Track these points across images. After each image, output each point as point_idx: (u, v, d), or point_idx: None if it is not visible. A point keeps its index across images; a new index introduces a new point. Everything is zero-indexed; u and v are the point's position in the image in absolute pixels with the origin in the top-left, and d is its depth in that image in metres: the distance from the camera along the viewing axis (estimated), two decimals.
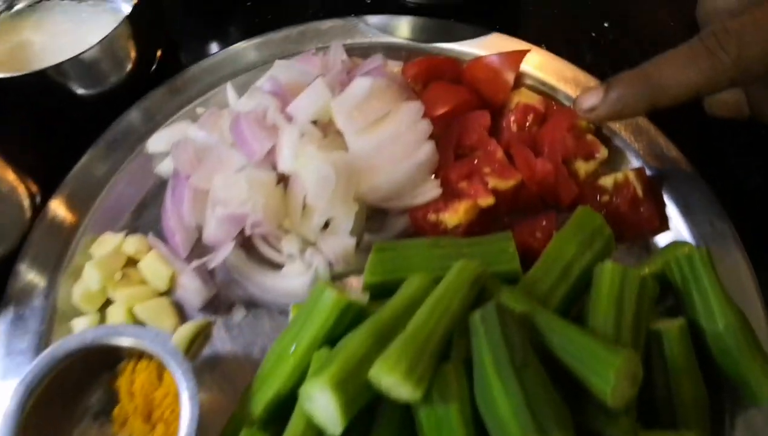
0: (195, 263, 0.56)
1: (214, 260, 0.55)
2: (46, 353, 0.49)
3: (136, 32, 0.61)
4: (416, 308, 0.46)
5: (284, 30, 0.69)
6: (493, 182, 0.55)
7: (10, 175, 0.55)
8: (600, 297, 0.46)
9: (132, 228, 0.61)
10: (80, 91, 0.62)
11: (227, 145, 0.56)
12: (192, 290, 0.55)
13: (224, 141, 0.58)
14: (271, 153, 0.55)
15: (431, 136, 0.57)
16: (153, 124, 0.64)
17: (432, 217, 0.56)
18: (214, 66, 0.67)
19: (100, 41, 0.58)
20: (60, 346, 0.49)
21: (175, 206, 0.57)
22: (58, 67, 0.58)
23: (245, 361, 0.55)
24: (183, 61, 0.71)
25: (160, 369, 0.51)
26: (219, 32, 0.75)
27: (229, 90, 0.64)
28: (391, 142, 0.54)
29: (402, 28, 0.69)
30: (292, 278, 0.55)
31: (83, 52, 0.58)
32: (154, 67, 0.68)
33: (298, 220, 0.55)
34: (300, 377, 0.48)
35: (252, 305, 0.57)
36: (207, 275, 0.57)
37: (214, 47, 0.73)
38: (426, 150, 0.55)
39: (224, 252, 0.54)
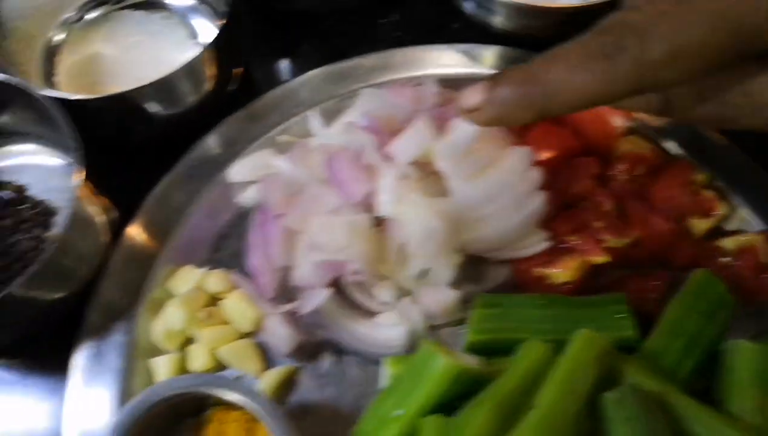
0: (285, 308, 0.53)
1: (307, 306, 0.52)
2: (139, 399, 0.47)
3: (218, 55, 0.59)
4: (538, 381, 0.44)
5: (369, 56, 0.65)
6: (607, 239, 0.52)
7: (93, 199, 0.52)
8: (739, 380, 0.43)
9: (211, 261, 0.58)
10: (157, 112, 0.59)
11: (319, 183, 0.53)
12: (280, 335, 0.52)
13: (314, 177, 0.55)
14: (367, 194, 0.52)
15: None
16: (232, 152, 0.61)
17: (537, 271, 0.53)
18: (293, 92, 0.64)
19: (185, 64, 0.55)
20: (152, 392, 0.47)
21: (264, 245, 0.54)
22: (140, 89, 0.55)
23: (334, 412, 0.52)
24: (256, 86, 0.68)
25: (251, 421, 0.49)
26: (293, 56, 0.72)
27: (313, 119, 0.61)
28: (501, 191, 0.52)
29: (492, 58, 0.66)
30: (387, 328, 0.53)
31: (167, 76, 0.55)
32: (229, 91, 0.64)
33: (395, 267, 0.52)
34: None
35: (340, 352, 0.54)
36: (294, 319, 0.54)
37: (288, 72, 0.70)
38: (537, 201, 0.53)
39: (318, 298, 0.51)
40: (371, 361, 0.54)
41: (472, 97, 0.38)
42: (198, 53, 0.56)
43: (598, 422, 0.43)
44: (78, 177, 0.51)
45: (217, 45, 0.57)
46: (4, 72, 0.55)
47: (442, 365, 0.45)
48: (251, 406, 0.46)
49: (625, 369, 0.46)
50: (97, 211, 0.54)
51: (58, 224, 0.59)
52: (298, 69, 0.66)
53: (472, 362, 0.46)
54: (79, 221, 0.50)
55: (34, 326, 0.54)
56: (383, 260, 0.52)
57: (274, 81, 0.68)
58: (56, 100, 0.54)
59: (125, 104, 0.56)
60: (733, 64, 0.34)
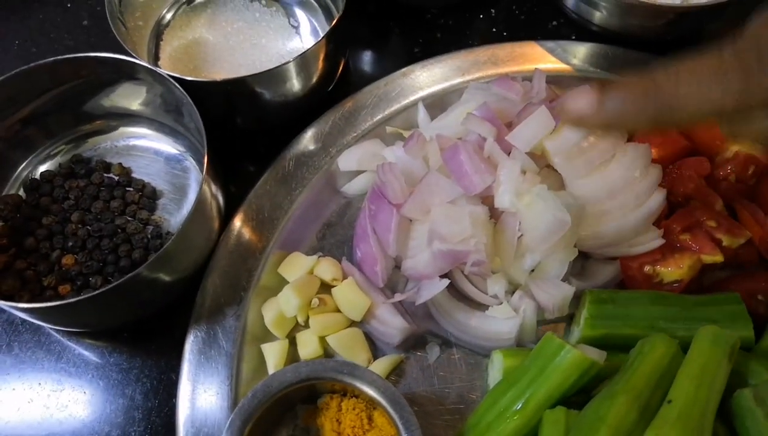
0: (398, 297, 0.53)
1: (423, 296, 0.52)
2: (261, 385, 0.48)
3: (330, 46, 0.59)
4: (668, 376, 0.44)
5: (473, 50, 0.66)
6: (721, 238, 0.53)
7: (210, 185, 0.53)
8: None
9: (317, 249, 0.59)
10: (270, 99, 0.60)
11: (437, 174, 0.53)
12: (392, 325, 0.53)
13: (431, 167, 0.56)
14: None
15: None
16: (337, 142, 0.62)
17: (648, 269, 0.54)
18: (396, 84, 0.65)
19: (302, 53, 0.56)
20: (274, 379, 0.48)
21: (378, 234, 0.54)
22: (257, 76, 0.56)
23: (440, 402, 0.53)
24: (356, 78, 0.69)
25: (369, 409, 0.49)
26: (390, 48, 0.72)
27: (420, 111, 0.62)
28: (622, 187, 0.52)
29: (594, 55, 0.66)
30: (499, 321, 0.53)
31: (284, 64, 0.55)
32: (333, 82, 0.65)
33: (510, 260, 0.53)
34: (527, 434, 0.47)
35: (447, 343, 0.55)
36: (405, 309, 0.54)
37: (386, 64, 0.71)
38: (658, 199, 0.53)
39: (436, 288, 0.52)
40: (478, 353, 0.54)
41: (581, 100, 0.40)
42: (315, 43, 0.57)
43: (731, 418, 0.44)
44: (205, 162, 0.51)
45: (331, 36, 0.57)
46: (124, 52, 0.56)
47: (572, 358, 0.46)
48: (379, 395, 0.47)
49: (750, 367, 0.46)
50: (212, 197, 0.54)
51: (162, 208, 0.60)
52: (397, 61, 0.67)
53: (596, 355, 0.47)
54: (200, 206, 0.51)
55: (151, 307, 0.55)
56: (497, 253, 0.53)
57: (373, 72, 0.69)
58: (175, 82, 0.54)
59: (242, 89, 0.57)
60: None
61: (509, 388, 0.48)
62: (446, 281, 0.52)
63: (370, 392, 0.47)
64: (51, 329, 0.57)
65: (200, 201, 0.51)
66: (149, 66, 0.55)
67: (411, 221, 0.55)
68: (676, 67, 0.36)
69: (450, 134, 0.57)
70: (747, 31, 0.35)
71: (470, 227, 0.50)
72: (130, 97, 0.61)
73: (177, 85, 0.54)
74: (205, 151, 0.52)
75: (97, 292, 0.48)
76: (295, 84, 0.59)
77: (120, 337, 0.56)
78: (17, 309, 0.49)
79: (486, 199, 0.54)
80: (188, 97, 0.53)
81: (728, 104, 0.35)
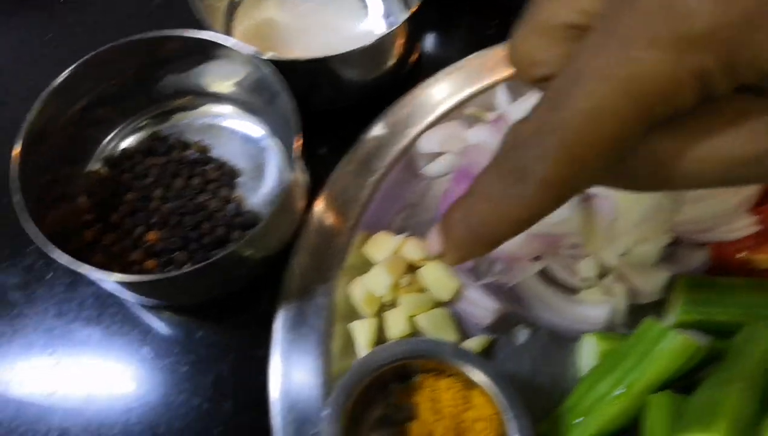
0: (488, 279, 0.53)
1: (514, 278, 0.52)
2: (363, 360, 0.48)
3: (412, 27, 0.59)
4: None
5: None
6: None
7: (299, 164, 0.53)
8: None
9: (402, 229, 0.59)
10: (351, 79, 0.60)
11: None
12: (482, 306, 0.53)
13: None
14: None
15: None
16: (416, 124, 0.61)
17: (741, 255, 0.53)
18: (474, 65, 0.64)
19: (383, 35, 0.56)
20: (376, 354, 0.48)
21: None
22: (344, 55, 0.56)
23: (530, 385, 0.53)
24: (425, 62, 0.68)
25: (466, 389, 0.49)
26: (463, 29, 0.72)
27: (501, 92, 0.61)
28: None
29: None
30: (590, 305, 0.53)
31: (366, 45, 0.55)
32: (410, 63, 0.65)
33: (602, 244, 0.53)
34: (629, 420, 0.47)
35: (534, 326, 0.55)
36: (494, 291, 0.54)
37: (459, 45, 0.70)
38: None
39: (529, 271, 0.52)
40: (566, 336, 0.54)
41: (433, 245, 0.37)
42: (400, 24, 0.57)
43: None
44: (297, 142, 0.51)
45: (411, 19, 0.57)
46: (207, 29, 0.56)
47: (678, 342, 0.45)
48: (484, 376, 0.47)
49: None
50: (301, 178, 0.54)
51: (242, 186, 0.60)
52: (470, 42, 0.66)
53: (701, 340, 0.47)
54: (292, 187, 0.51)
55: (237, 283, 0.55)
56: (589, 235, 0.52)
57: (446, 54, 0.68)
58: (264, 61, 0.54)
59: (322, 69, 0.57)
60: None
61: (608, 372, 0.48)
62: (540, 264, 0.52)
63: (475, 372, 0.47)
64: (137, 303, 0.57)
65: (293, 182, 0.51)
66: (238, 43, 0.55)
67: None
68: (475, 181, 0.32)
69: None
70: (512, 127, 0.30)
71: (568, 209, 0.50)
72: (212, 76, 0.61)
73: (268, 63, 0.54)
74: (299, 131, 0.52)
75: (192, 268, 0.48)
76: (373, 66, 0.59)
77: (205, 313, 0.57)
78: (114, 281, 0.49)
79: None
80: (281, 76, 0.53)
81: (531, 215, 0.30)
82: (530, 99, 0.60)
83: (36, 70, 0.68)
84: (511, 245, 0.53)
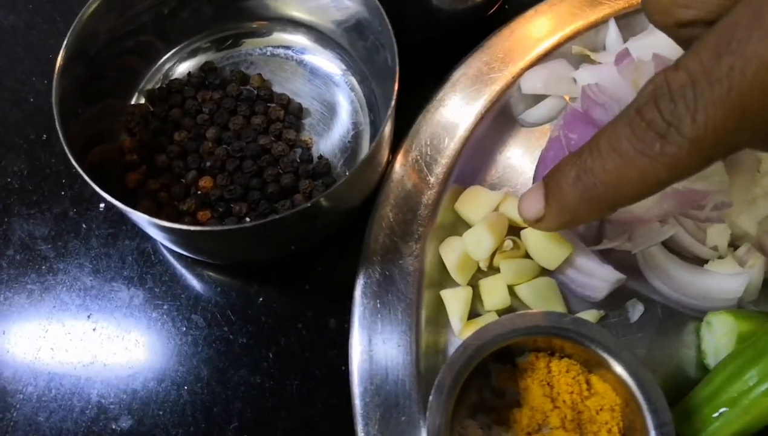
0: (607, 244, 0.46)
1: (639, 244, 0.45)
2: (474, 337, 0.40)
3: None
4: None
5: None
6: None
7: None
8: None
9: (495, 185, 0.51)
10: (438, 6, 0.51)
11: None
12: (600, 276, 0.45)
13: (631, 92, 0.47)
14: None
15: None
16: (512, 64, 0.53)
17: None
18: (575, 1, 0.55)
19: None
20: (489, 330, 0.40)
21: None
22: None
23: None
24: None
25: (586, 373, 0.42)
26: None
27: (612, 29, 0.53)
28: None
29: None
30: (722, 278, 0.45)
31: None
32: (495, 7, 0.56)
33: (742, 206, 0.45)
34: None
35: (650, 301, 0.47)
36: (609, 260, 0.47)
37: None
38: None
39: (658, 236, 0.44)
40: (687, 315, 0.47)
41: (531, 207, 0.34)
42: None
43: None
44: (395, 87, 0.43)
45: None
46: None
47: None
48: (614, 360, 0.39)
49: None
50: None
51: (309, 128, 0.52)
52: None
53: None
54: (381, 139, 0.43)
55: (307, 242, 0.47)
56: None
57: None
58: None
59: None
60: None
61: (757, 359, 0.41)
62: (672, 228, 0.44)
63: (607, 355, 0.40)
64: (188, 262, 0.49)
65: (384, 134, 0.42)
66: None
67: None
68: (597, 139, 0.30)
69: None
70: (654, 80, 0.28)
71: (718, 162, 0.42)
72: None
73: None
74: (397, 74, 0.43)
75: (264, 220, 0.40)
76: None
77: (267, 275, 0.49)
78: (166, 232, 0.41)
79: None
80: (378, 5, 0.45)
81: (663, 176, 0.28)
82: (650, 37, 0.51)
83: None
84: (641, 206, 0.45)
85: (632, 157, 0.28)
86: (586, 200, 0.31)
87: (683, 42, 0.30)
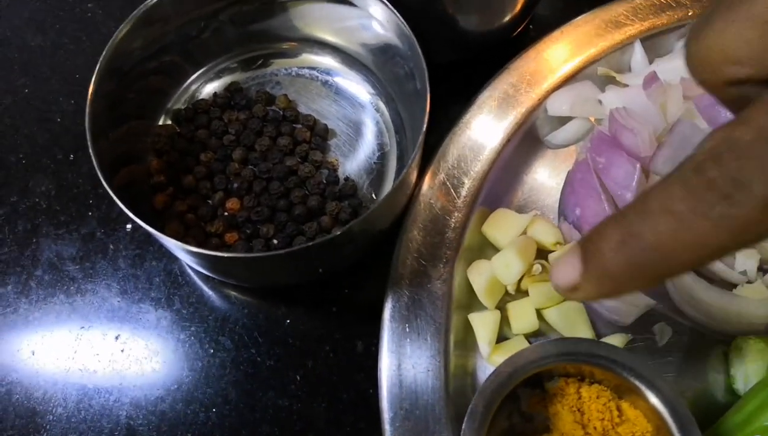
0: None
1: None
2: (506, 364, 0.40)
3: None
4: None
5: None
6: None
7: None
8: None
9: (521, 207, 0.51)
10: (462, 29, 0.52)
11: (693, 123, 0.46)
12: (629, 300, 0.46)
13: (665, 115, 0.48)
14: None
15: None
16: (537, 86, 0.53)
17: None
18: (600, 20, 0.56)
19: None
20: (521, 357, 0.41)
21: (612, 191, 0.46)
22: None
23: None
24: (547, 15, 0.60)
25: (616, 399, 0.42)
26: None
27: (637, 50, 0.54)
28: None
29: None
30: (750, 303, 0.46)
31: None
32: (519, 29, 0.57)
33: None
34: None
35: (677, 324, 0.48)
36: None
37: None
38: None
39: None
40: (714, 339, 0.47)
41: (566, 274, 0.30)
42: None
43: None
44: (426, 107, 0.43)
45: None
46: None
47: None
48: (646, 387, 0.40)
49: None
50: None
51: (336, 148, 0.53)
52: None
53: None
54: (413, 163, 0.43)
55: (336, 266, 0.48)
56: None
57: (559, 15, 0.60)
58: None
59: (436, 10, 0.49)
60: None
61: None
62: None
63: (638, 383, 0.40)
64: (212, 284, 0.50)
65: (414, 159, 0.43)
66: None
67: (648, 177, 0.47)
68: (643, 199, 0.27)
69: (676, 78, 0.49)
70: (716, 135, 0.25)
71: None
72: (317, 19, 0.52)
73: (394, 12, 0.45)
74: (428, 99, 0.44)
75: (287, 250, 0.41)
76: (486, 18, 0.51)
77: (295, 298, 0.49)
78: (195, 257, 0.42)
79: None
80: (405, 24, 0.45)
81: (725, 241, 0.25)
82: (676, 59, 0.52)
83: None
84: None
85: (689, 221, 0.25)
86: (632, 268, 0.27)
87: (730, 101, 0.28)
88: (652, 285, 0.28)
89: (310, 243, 0.40)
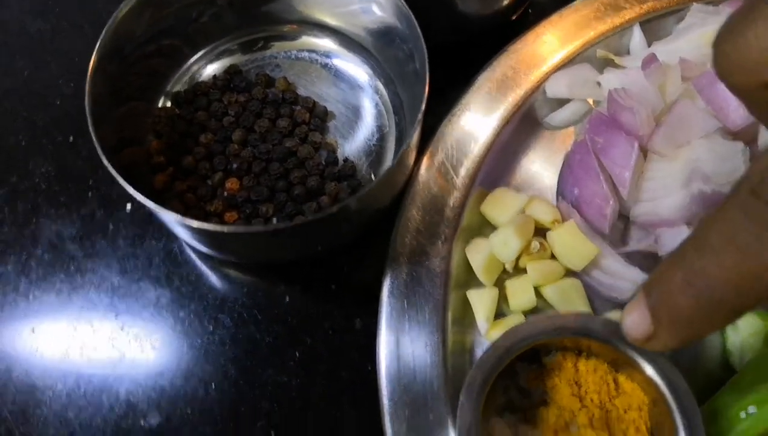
0: (633, 246, 0.46)
1: (666, 247, 0.46)
2: (505, 337, 0.41)
3: None
4: None
5: None
6: None
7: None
8: None
9: (519, 187, 0.52)
10: (461, 12, 0.52)
11: (692, 103, 0.46)
12: (625, 277, 0.46)
13: (663, 96, 0.48)
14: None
15: None
16: (536, 68, 0.54)
17: None
18: (599, 3, 0.56)
19: None
20: (521, 330, 0.41)
21: (610, 171, 0.47)
22: None
23: None
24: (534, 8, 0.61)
25: (613, 372, 0.43)
26: None
27: (636, 33, 0.54)
28: None
29: None
30: None
31: None
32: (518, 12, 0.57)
33: None
34: None
35: None
36: (636, 261, 0.47)
37: None
38: None
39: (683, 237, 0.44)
40: None
41: (638, 325, 0.30)
42: None
43: None
44: (425, 91, 0.44)
45: None
46: None
47: None
48: (643, 360, 0.40)
49: None
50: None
51: (334, 130, 0.53)
52: None
53: None
54: (412, 142, 0.44)
55: (333, 243, 0.48)
56: None
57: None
58: None
59: None
60: None
61: None
62: (689, 229, 0.45)
63: (635, 357, 0.40)
64: (212, 263, 0.50)
65: (411, 140, 0.43)
66: None
67: (645, 157, 0.48)
68: (702, 234, 0.26)
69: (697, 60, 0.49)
70: (763, 162, 0.25)
71: (743, 166, 0.43)
72: (313, 3, 0.53)
73: None
74: (427, 80, 0.44)
75: (286, 225, 0.42)
76: (485, 1, 0.52)
77: (293, 276, 0.50)
78: (195, 232, 0.42)
79: (738, 135, 0.47)
80: (407, 10, 0.46)
81: None
82: (675, 41, 0.52)
83: None
84: (667, 208, 0.46)
85: (757, 250, 0.24)
86: (703, 308, 0.26)
87: (762, 106, 0.26)
88: (730, 322, 0.28)
89: (310, 218, 0.41)
